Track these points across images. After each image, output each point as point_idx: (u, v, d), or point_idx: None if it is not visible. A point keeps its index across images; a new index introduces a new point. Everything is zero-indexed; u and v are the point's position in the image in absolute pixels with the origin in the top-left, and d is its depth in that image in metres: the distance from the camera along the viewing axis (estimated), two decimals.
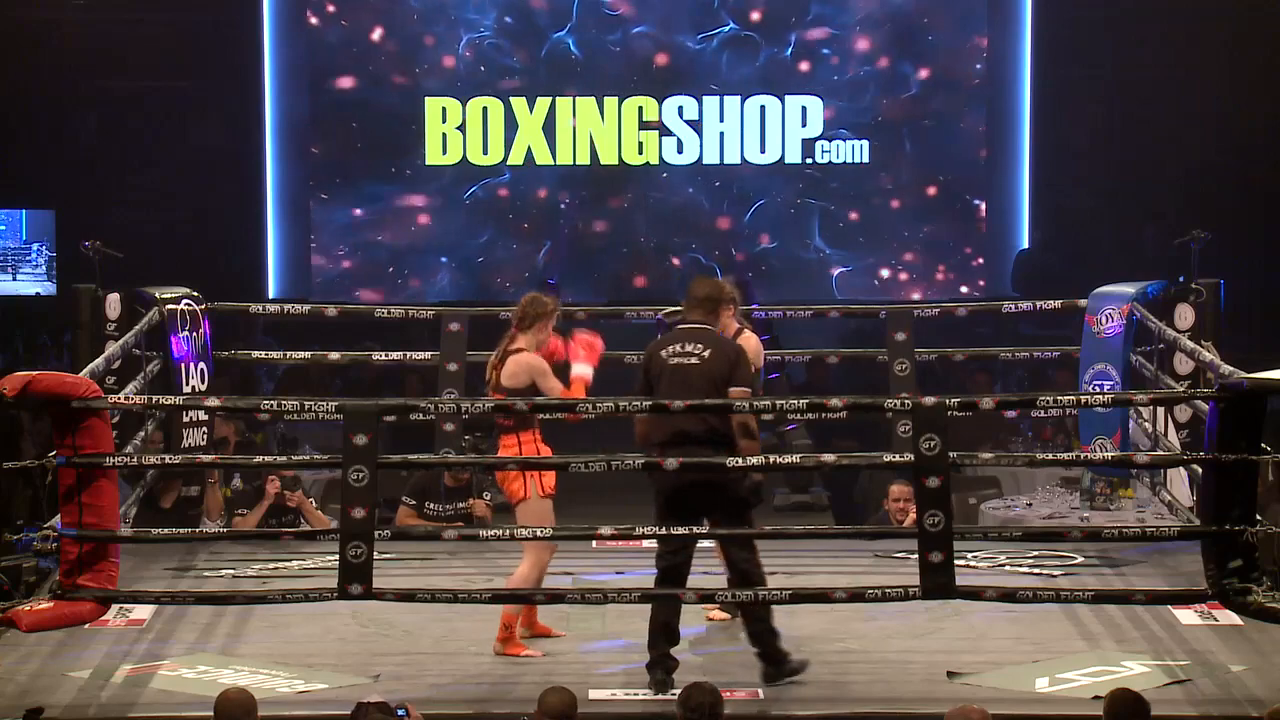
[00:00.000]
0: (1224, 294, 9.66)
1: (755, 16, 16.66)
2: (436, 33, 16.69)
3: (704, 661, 7.28)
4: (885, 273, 16.79)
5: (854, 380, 13.08)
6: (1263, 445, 6.93)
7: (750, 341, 7.89)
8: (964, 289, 16.61)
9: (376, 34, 16.70)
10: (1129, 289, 9.48)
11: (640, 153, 16.66)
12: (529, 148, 16.69)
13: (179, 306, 9.28)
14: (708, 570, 8.37)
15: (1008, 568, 8.71)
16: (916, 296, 16.42)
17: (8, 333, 15.34)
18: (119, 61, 16.22)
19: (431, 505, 9.58)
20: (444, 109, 16.66)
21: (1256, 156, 15.65)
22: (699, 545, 8.33)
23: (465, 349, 9.64)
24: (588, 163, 16.68)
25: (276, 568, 8.73)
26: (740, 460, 7.07)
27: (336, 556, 6.98)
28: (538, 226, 16.79)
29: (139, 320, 9.08)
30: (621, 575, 8.53)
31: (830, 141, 16.66)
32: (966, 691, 6.79)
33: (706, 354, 7.12)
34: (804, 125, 16.64)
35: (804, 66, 16.66)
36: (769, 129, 16.65)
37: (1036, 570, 8.64)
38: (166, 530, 8.37)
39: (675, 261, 16.71)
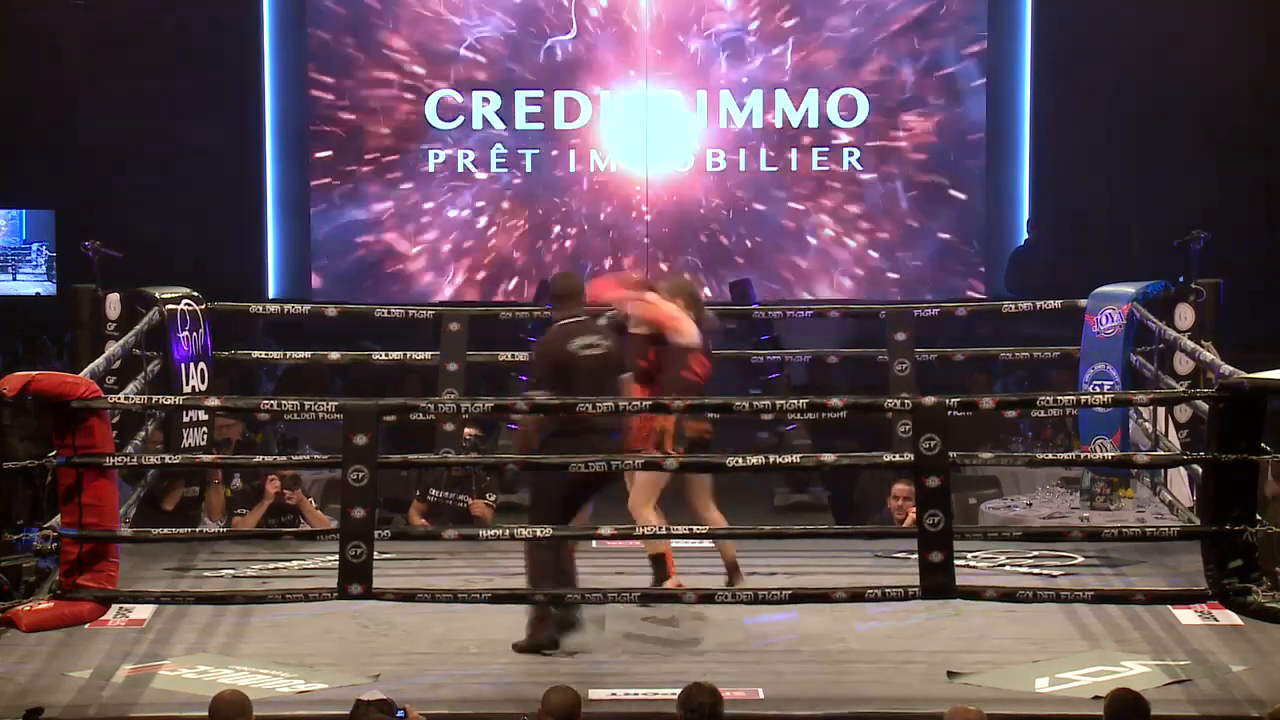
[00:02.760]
0: (1224, 294, 9.66)
1: (754, 16, 16.66)
2: (437, 32, 16.70)
3: (703, 661, 7.28)
4: (885, 273, 16.80)
5: (854, 380, 13.08)
6: (1263, 445, 6.94)
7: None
8: (964, 289, 16.61)
9: (377, 33, 16.70)
10: (1129, 289, 9.48)
11: (640, 152, 16.66)
12: (529, 148, 16.69)
13: (179, 306, 9.28)
14: (707, 570, 8.39)
15: (1008, 568, 8.70)
16: (917, 296, 16.42)
17: (8, 333, 15.34)
18: (119, 61, 16.22)
19: (434, 491, 9.63)
20: (444, 109, 16.66)
21: (1257, 156, 15.65)
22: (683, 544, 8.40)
23: (465, 349, 9.64)
24: (588, 162, 16.68)
25: (276, 568, 8.73)
26: (741, 460, 7.13)
27: (336, 556, 6.99)
28: (538, 226, 16.79)
29: (139, 320, 9.07)
30: (621, 575, 8.53)
31: (830, 141, 16.66)
32: (966, 691, 6.79)
33: (608, 343, 7.72)
34: (804, 125, 16.65)
35: (803, 67, 16.66)
36: (768, 129, 16.65)
37: (1036, 570, 8.64)
38: (166, 530, 8.38)
39: (674, 261, 16.73)
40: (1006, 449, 10.88)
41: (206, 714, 5.81)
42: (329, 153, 16.79)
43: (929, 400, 7.09)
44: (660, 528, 7.84)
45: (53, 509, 7.28)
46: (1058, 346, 10.34)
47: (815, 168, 16.72)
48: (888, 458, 7.87)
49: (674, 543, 8.31)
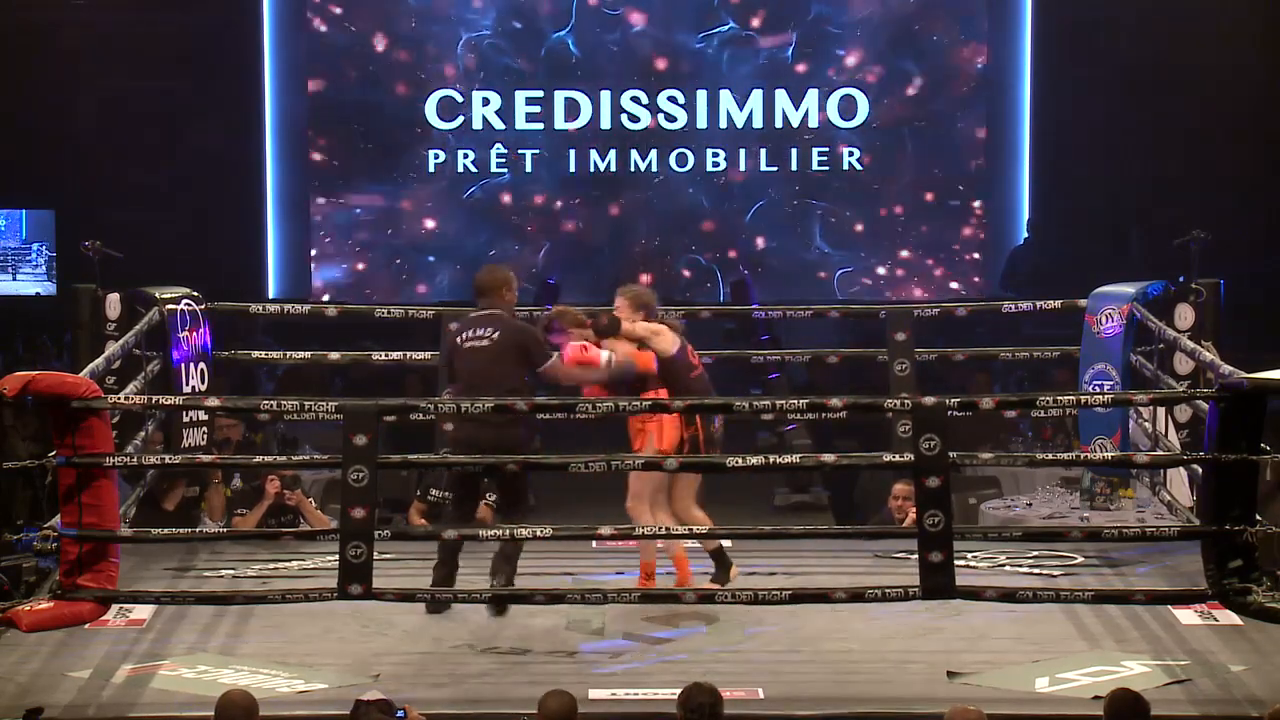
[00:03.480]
0: (1224, 294, 9.66)
1: (755, 16, 16.66)
2: (436, 32, 16.70)
3: (703, 661, 7.28)
4: (884, 273, 16.80)
5: (854, 380, 13.08)
6: (1263, 445, 6.94)
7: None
8: (963, 289, 16.62)
9: (376, 34, 16.71)
10: (1129, 289, 9.47)
11: (640, 153, 16.66)
12: (529, 148, 16.70)
13: (179, 306, 9.27)
14: (706, 570, 8.39)
15: (1008, 568, 8.70)
16: (917, 296, 16.43)
17: (8, 333, 15.33)
18: (119, 61, 16.22)
19: (434, 491, 9.64)
20: (444, 107, 16.67)
21: (1257, 155, 15.65)
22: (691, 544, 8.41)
23: None
24: (588, 163, 16.69)
25: (276, 568, 8.72)
26: (741, 460, 7.13)
27: (336, 556, 6.99)
28: (538, 226, 16.80)
29: (139, 320, 9.07)
30: (621, 575, 8.53)
31: (830, 142, 16.67)
32: (966, 691, 6.79)
33: (496, 335, 7.97)
34: (804, 125, 16.65)
35: (804, 67, 16.66)
36: (769, 129, 16.66)
37: (1036, 570, 8.64)
38: (166, 530, 8.37)
39: (675, 261, 16.75)
40: (1006, 449, 10.88)
41: (212, 714, 5.81)
42: (329, 153, 16.80)
43: (929, 400, 7.09)
44: (661, 526, 7.92)
45: (53, 509, 7.28)
46: (1058, 346, 10.34)
47: (815, 167, 16.72)
48: (888, 458, 7.87)
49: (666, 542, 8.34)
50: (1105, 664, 7.13)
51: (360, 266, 16.85)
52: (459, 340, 8.05)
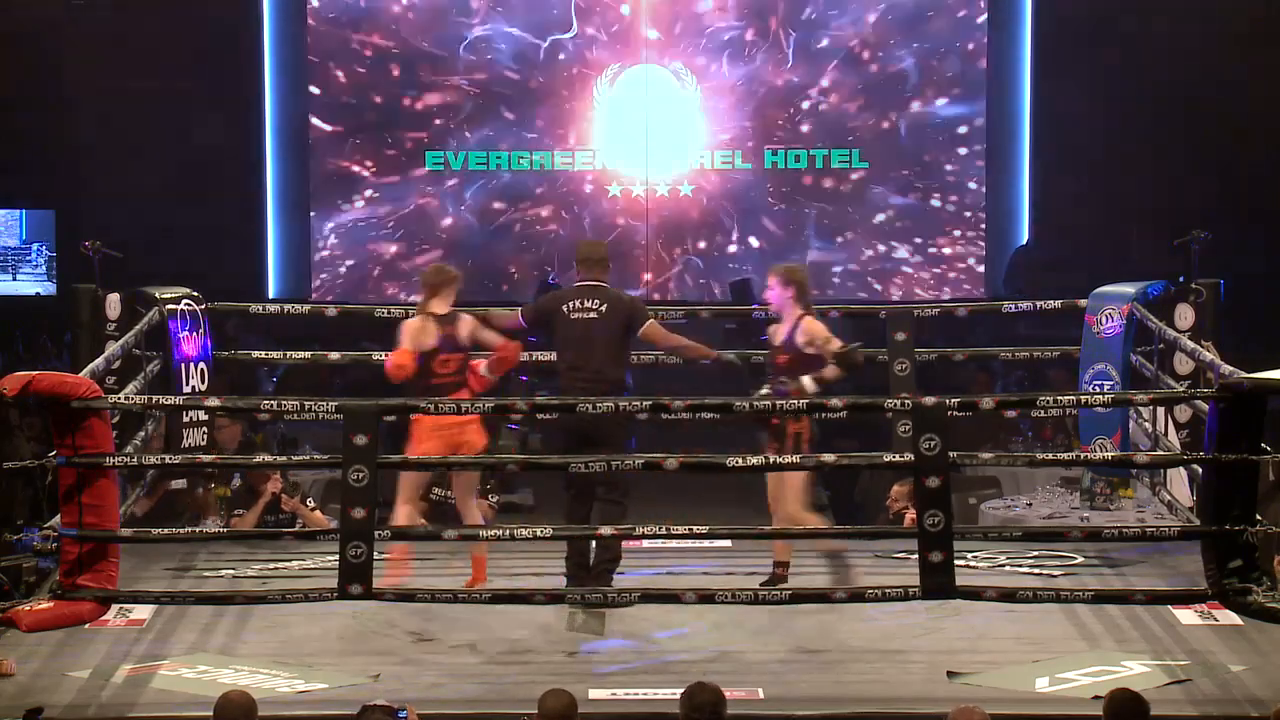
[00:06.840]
0: (1224, 294, 9.66)
1: (756, 15, 16.67)
2: (437, 32, 16.71)
3: (703, 661, 7.28)
4: (884, 273, 16.80)
5: (854, 380, 13.06)
6: (1263, 445, 6.94)
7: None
8: (964, 289, 16.62)
9: (376, 34, 16.72)
10: (1129, 289, 9.47)
11: (641, 152, 16.67)
12: (530, 147, 16.71)
13: (179, 306, 9.27)
14: (708, 570, 8.40)
15: (1008, 568, 8.70)
16: (916, 296, 16.43)
17: (8, 333, 15.34)
18: (119, 61, 16.23)
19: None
20: (444, 108, 16.67)
21: (1257, 155, 15.66)
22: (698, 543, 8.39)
23: None
24: (588, 162, 16.70)
25: (276, 568, 8.72)
26: (741, 460, 7.14)
27: (336, 556, 6.99)
28: (538, 226, 16.81)
29: (139, 320, 9.07)
30: (622, 575, 8.52)
31: (830, 141, 16.67)
32: (966, 691, 6.79)
33: (604, 308, 8.16)
34: (803, 124, 16.66)
35: (803, 66, 16.67)
36: (769, 128, 16.66)
37: (1036, 570, 8.63)
38: (166, 530, 8.37)
39: (674, 260, 16.76)
40: (1006, 449, 10.87)
41: (210, 714, 5.80)
42: (329, 152, 16.81)
43: (929, 400, 7.09)
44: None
45: (53, 509, 7.28)
46: (1058, 346, 10.34)
47: (815, 167, 16.73)
48: (888, 458, 7.87)
49: (674, 541, 8.35)
50: (1105, 664, 7.13)
51: (360, 266, 16.85)
52: (563, 307, 8.22)
